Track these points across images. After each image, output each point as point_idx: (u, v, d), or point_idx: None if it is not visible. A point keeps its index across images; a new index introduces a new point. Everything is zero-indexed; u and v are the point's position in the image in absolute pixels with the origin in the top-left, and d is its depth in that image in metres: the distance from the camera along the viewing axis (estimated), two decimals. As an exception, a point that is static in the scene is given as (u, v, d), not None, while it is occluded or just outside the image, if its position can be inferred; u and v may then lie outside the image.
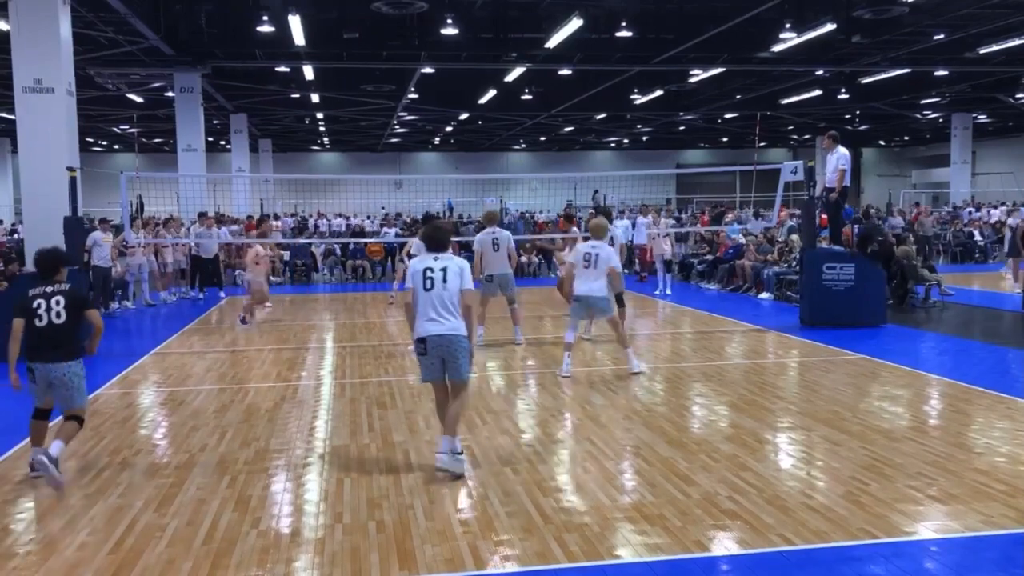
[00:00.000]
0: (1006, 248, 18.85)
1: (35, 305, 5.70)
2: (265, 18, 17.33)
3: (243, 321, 13.01)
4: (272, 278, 18.06)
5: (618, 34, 18.79)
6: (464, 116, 32.63)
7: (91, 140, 39.08)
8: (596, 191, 34.14)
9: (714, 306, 14.99)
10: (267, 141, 39.69)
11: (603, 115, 33.70)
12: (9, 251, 19.34)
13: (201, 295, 17.68)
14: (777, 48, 19.63)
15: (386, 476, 5.75)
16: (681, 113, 33.55)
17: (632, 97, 28.88)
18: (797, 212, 20.23)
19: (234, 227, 21.15)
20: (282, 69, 23.58)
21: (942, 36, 19.82)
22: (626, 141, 46.53)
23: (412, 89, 25.07)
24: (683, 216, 29.75)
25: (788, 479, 5.59)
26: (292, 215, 32.06)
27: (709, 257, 19.22)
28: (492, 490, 5.41)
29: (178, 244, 17.31)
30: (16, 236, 24.03)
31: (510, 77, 24.06)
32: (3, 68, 14.99)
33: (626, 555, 4.43)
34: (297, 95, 27.37)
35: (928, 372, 8.98)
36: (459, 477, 5.61)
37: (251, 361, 10.39)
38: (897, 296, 14.04)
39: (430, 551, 4.49)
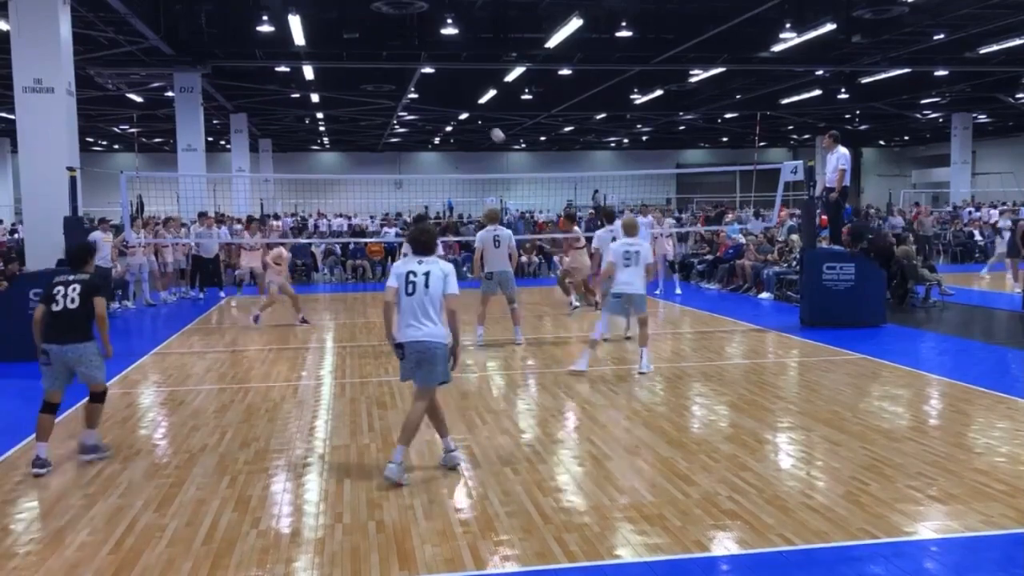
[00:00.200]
0: (1005, 248, 18.82)
1: (55, 292, 6.09)
2: (265, 18, 17.31)
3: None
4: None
5: (618, 34, 18.76)
6: (464, 116, 32.61)
7: (91, 140, 39.03)
8: (596, 191, 34.13)
9: (714, 306, 14.99)
10: (267, 141, 39.65)
11: (603, 115, 33.66)
12: (9, 251, 19.34)
13: (201, 295, 17.68)
14: (777, 48, 19.61)
15: (386, 476, 5.74)
16: (681, 113, 33.51)
17: (632, 97, 28.84)
18: (797, 212, 20.22)
19: (237, 226, 21.12)
20: (282, 69, 23.54)
21: (942, 36, 19.80)
22: (626, 141, 46.48)
23: (412, 89, 25.05)
24: (683, 216, 29.74)
25: (788, 479, 5.59)
26: (292, 215, 32.06)
27: (709, 257, 19.22)
28: (492, 490, 5.41)
29: (178, 244, 17.31)
30: (16, 236, 24.02)
31: (510, 77, 24.02)
32: (3, 68, 14.97)
33: (626, 555, 4.43)
34: (297, 95, 27.34)
35: (928, 372, 8.99)
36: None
37: (251, 361, 10.40)
38: (897, 296, 14.04)
39: (430, 551, 4.49)
